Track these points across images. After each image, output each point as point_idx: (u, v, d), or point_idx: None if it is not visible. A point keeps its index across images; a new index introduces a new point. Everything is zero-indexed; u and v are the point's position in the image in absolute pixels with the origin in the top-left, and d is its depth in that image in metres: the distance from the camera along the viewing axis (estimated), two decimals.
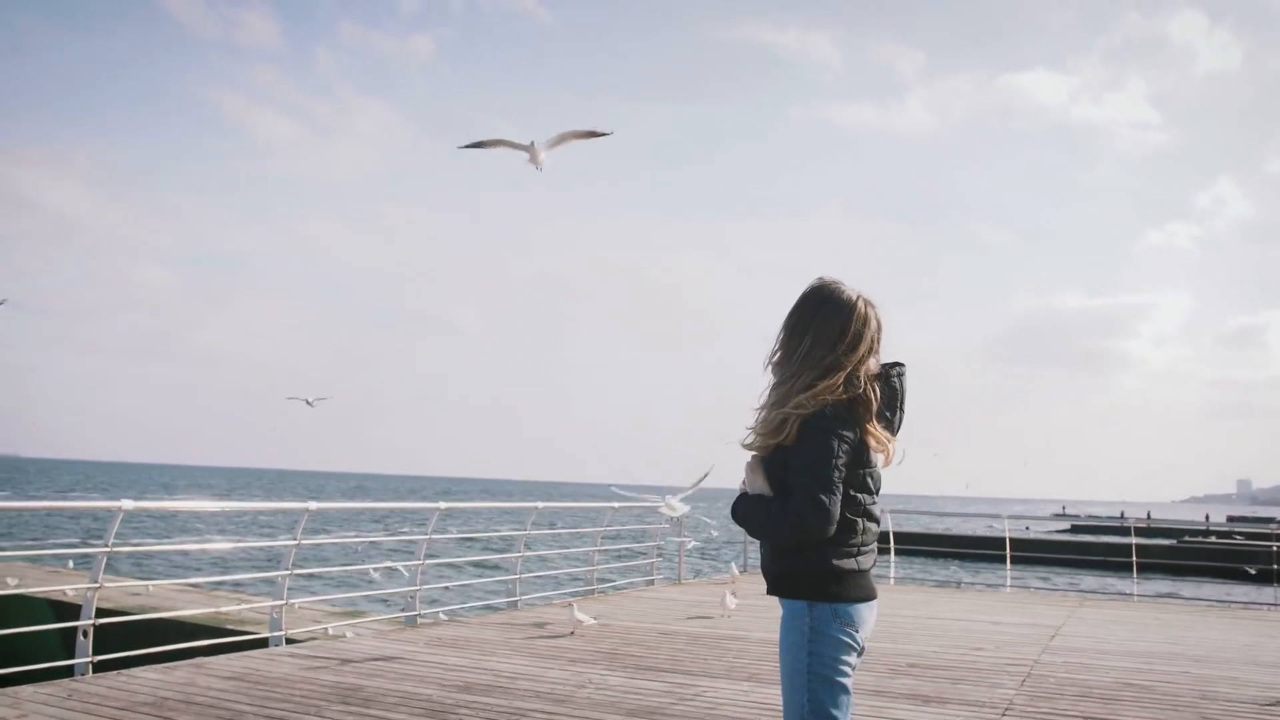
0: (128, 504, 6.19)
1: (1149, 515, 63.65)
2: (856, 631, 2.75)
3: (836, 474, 2.68)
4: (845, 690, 2.73)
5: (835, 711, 2.71)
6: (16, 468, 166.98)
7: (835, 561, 2.73)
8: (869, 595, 2.79)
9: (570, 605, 8.70)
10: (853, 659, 2.75)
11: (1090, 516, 62.95)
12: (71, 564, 16.10)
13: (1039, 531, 46.84)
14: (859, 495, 2.76)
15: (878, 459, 2.83)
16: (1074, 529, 53.06)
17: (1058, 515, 66.46)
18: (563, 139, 7.16)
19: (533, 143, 7.25)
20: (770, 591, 2.86)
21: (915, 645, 8.26)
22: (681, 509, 8.80)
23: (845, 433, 2.71)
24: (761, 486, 2.81)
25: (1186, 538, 40.57)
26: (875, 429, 2.78)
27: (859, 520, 2.76)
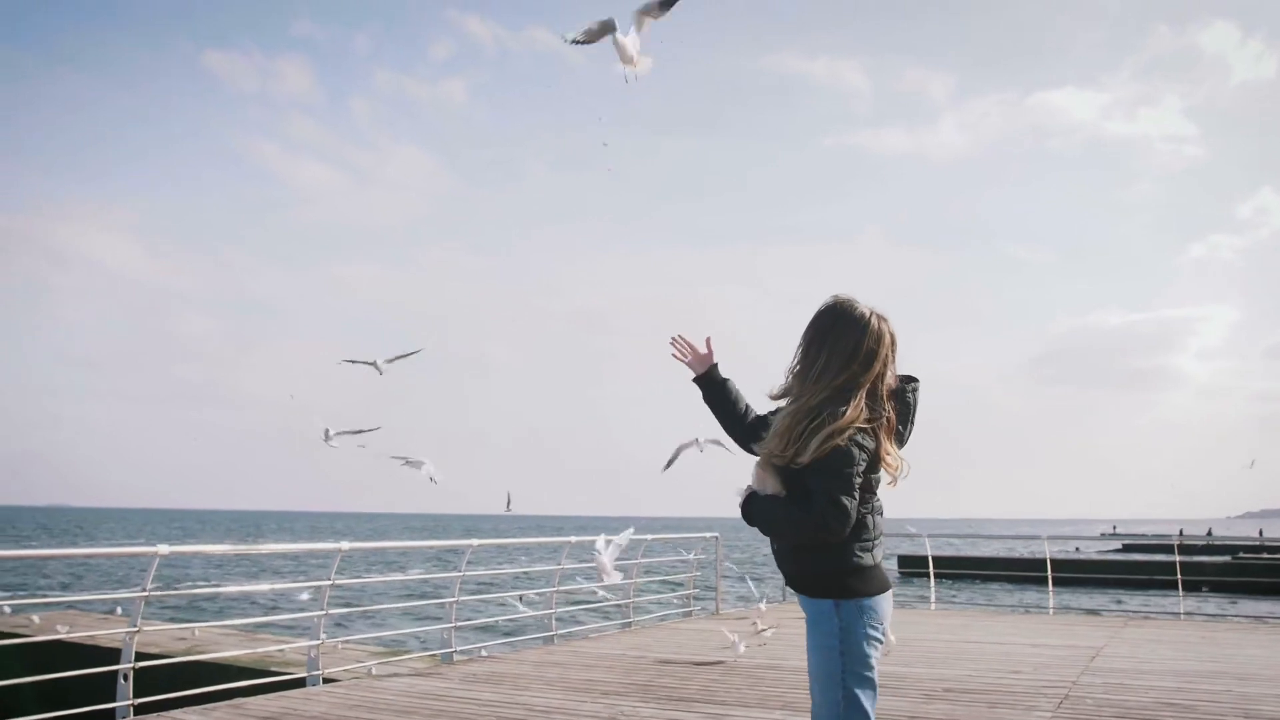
0: (164, 549, 6.32)
1: (1210, 532, 62.34)
2: (880, 625, 2.94)
3: (856, 479, 2.85)
4: (873, 684, 2.91)
5: (867, 705, 2.89)
6: (81, 517, 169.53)
7: (854, 559, 2.90)
8: (885, 586, 2.98)
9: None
10: (878, 651, 2.92)
11: (1144, 536, 61.74)
12: (120, 610, 16.33)
13: (1088, 552, 46.09)
14: (869, 496, 2.95)
15: (885, 471, 3.00)
16: (1125, 548, 52.14)
17: (1107, 535, 65.28)
18: (639, 25, 6.60)
19: (614, 37, 6.49)
20: (789, 585, 3.04)
21: (952, 670, 8.19)
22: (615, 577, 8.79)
23: (865, 443, 2.88)
24: (774, 487, 2.94)
25: (1241, 554, 39.79)
26: (890, 445, 2.97)
27: (870, 517, 2.95)
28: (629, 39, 6.44)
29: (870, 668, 2.88)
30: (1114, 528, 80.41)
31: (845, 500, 2.80)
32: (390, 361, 9.53)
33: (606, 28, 6.17)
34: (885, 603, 2.95)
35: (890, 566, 34.20)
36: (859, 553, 2.89)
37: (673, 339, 3.36)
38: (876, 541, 2.95)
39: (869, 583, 2.90)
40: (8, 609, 15.01)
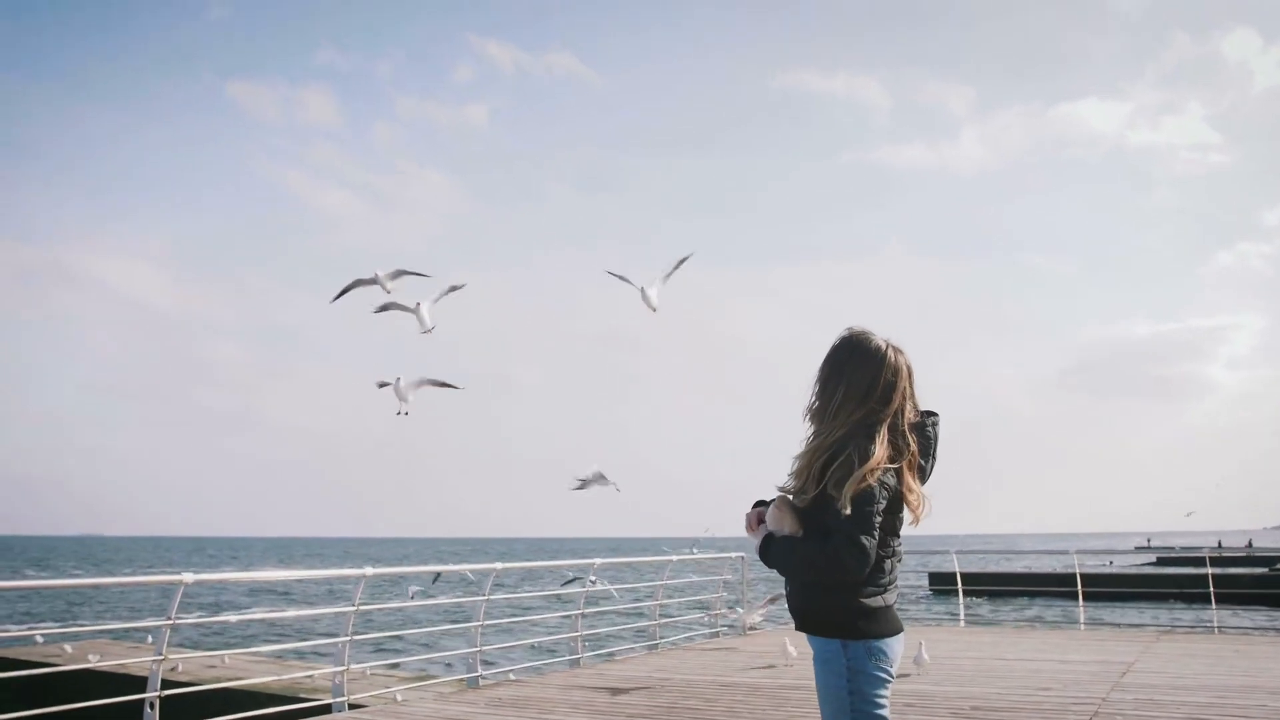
0: (189, 577, 6.39)
1: (1250, 544, 61.44)
2: (890, 666, 2.90)
3: (877, 518, 2.80)
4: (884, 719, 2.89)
5: None
6: (115, 546, 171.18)
7: (864, 600, 2.86)
8: (897, 629, 2.94)
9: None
10: (887, 691, 2.90)
11: (1183, 549, 60.86)
12: (151, 638, 16.46)
13: (1121, 566, 45.55)
14: (889, 538, 2.90)
15: (907, 509, 2.95)
16: (1159, 561, 51.46)
17: (1141, 548, 64.48)
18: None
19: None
20: (799, 628, 2.99)
21: (979, 688, 8.11)
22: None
23: (888, 481, 2.84)
24: (791, 527, 2.91)
25: (1278, 565, 39.19)
26: (912, 481, 2.93)
27: (889, 560, 2.91)
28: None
29: (879, 705, 2.86)
30: (1148, 541, 79.40)
31: (864, 539, 2.75)
32: (395, 277, 8.10)
33: None
34: (896, 645, 2.92)
35: (921, 583, 34.23)
36: (871, 595, 2.86)
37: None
38: (891, 585, 2.91)
39: (879, 625, 2.87)
40: (40, 638, 15.18)
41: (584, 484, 9.30)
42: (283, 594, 43.12)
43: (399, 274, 8.19)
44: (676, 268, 8.49)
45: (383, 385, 8.80)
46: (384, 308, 8.12)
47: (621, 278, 8.31)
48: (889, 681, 2.89)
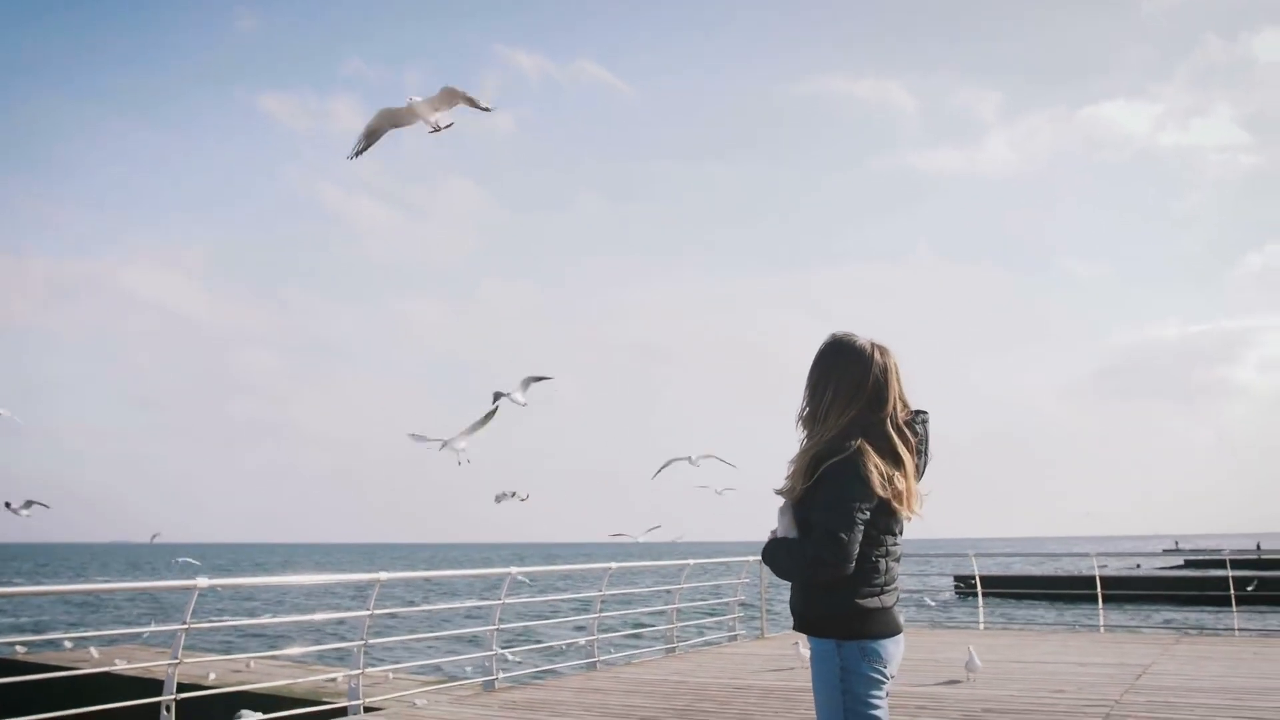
0: (203, 582, 6.49)
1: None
2: (885, 667, 2.91)
3: (858, 514, 2.83)
4: None
5: None
6: (153, 553, 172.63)
7: (859, 601, 2.89)
8: (894, 630, 2.95)
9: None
10: (882, 693, 2.91)
11: (1207, 551, 60.10)
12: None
13: (1148, 569, 45.14)
14: (884, 537, 2.93)
15: (902, 505, 2.96)
16: (1186, 564, 50.94)
17: (1170, 550, 63.84)
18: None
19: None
20: (796, 628, 3.03)
21: (994, 690, 8.10)
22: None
23: (876, 478, 2.86)
24: (789, 528, 2.96)
25: None
26: (908, 482, 2.94)
27: (883, 560, 2.93)
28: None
29: (873, 707, 2.88)
30: (1176, 543, 78.52)
31: (842, 535, 2.79)
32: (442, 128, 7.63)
33: None
34: (893, 646, 2.93)
35: (946, 585, 34.03)
36: (864, 596, 2.88)
37: None
38: (887, 587, 2.93)
39: (874, 625, 2.89)
40: (68, 643, 15.40)
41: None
42: (300, 599, 43.48)
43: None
44: (534, 381, 9.78)
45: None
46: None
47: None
48: (883, 682, 2.90)
